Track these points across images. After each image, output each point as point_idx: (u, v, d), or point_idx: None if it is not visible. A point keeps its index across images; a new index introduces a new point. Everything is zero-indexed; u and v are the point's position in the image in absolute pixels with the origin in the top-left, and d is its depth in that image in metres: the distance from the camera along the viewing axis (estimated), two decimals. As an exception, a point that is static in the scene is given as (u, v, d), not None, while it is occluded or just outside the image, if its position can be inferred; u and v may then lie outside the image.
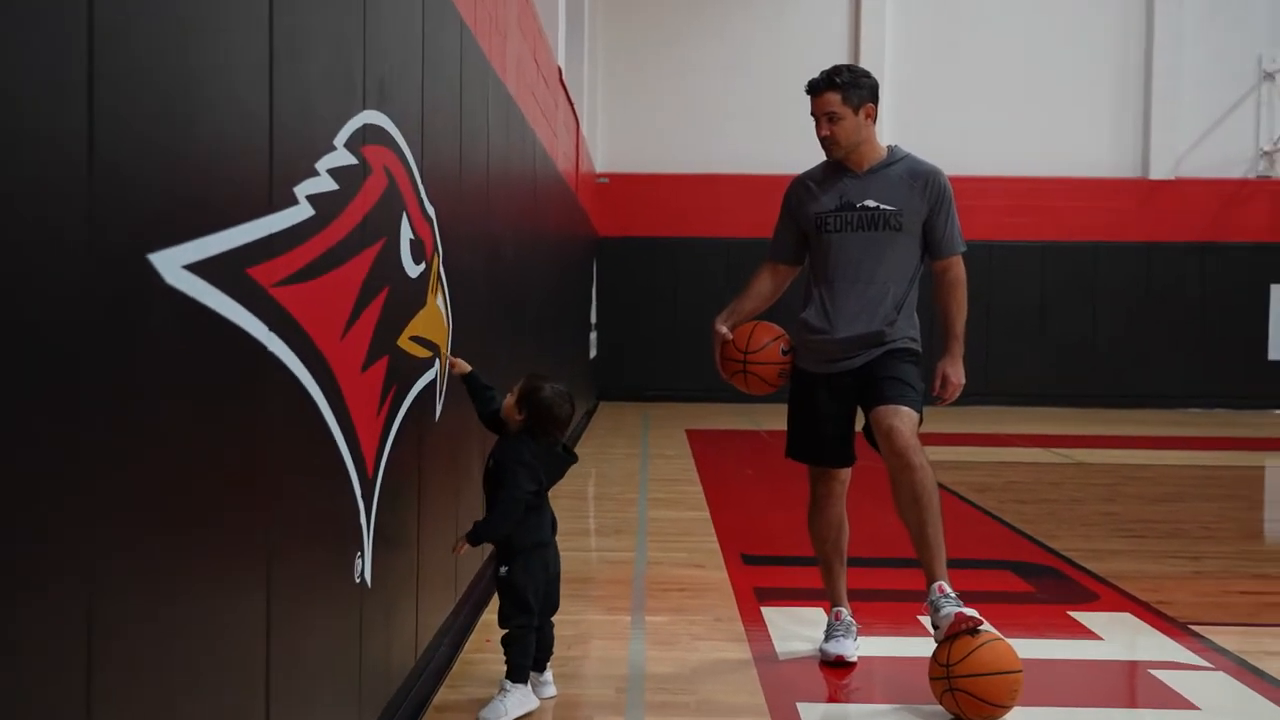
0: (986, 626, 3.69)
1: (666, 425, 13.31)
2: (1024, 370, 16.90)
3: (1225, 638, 4.62)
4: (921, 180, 4.08)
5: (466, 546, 3.59)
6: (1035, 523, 7.23)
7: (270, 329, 2.14)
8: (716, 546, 6.31)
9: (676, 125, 17.20)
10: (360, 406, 2.83)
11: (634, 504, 7.83)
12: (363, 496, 2.89)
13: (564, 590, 4.73)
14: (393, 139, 3.13)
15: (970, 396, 17.24)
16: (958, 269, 4.14)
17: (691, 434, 12.37)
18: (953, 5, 17.30)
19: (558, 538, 3.77)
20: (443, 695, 3.77)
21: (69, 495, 1.46)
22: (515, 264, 5.96)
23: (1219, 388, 16.85)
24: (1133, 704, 3.85)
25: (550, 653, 3.74)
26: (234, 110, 1.99)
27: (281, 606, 2.24)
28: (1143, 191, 17.23)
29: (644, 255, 16.99)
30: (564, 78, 10.60)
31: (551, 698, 3.70)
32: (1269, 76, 17.31)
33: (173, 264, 1.70)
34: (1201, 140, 17.21)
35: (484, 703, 3.57)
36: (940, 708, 3.67)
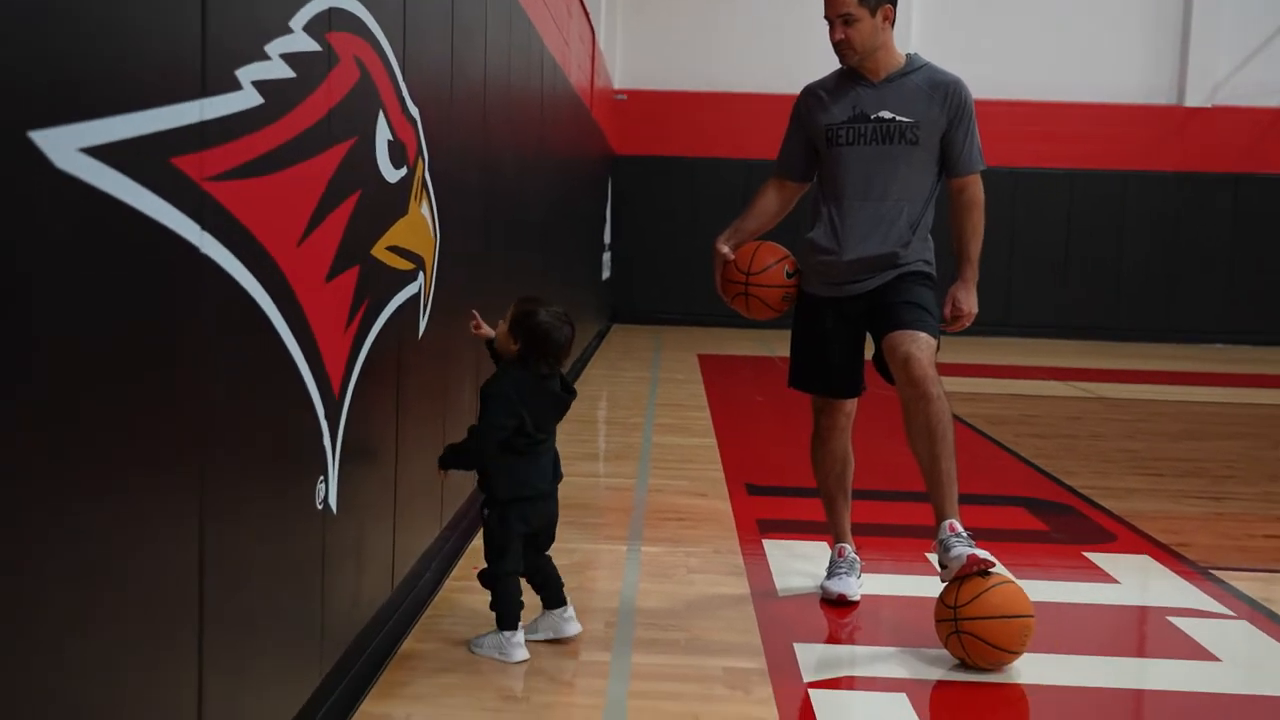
0: (999, 569, 3.49)
1: (679, 349, 13.11)
2: (1047, 301, 16.61)
3: (1247, 584, 4.41)
4: (941, 91, 3.80)
5: (444, 473, 3.41)
6: (1052, 458, 7.01)
7: (203, 228, 1.91)
8: (721, 475, 6.12)
9: (699, 43, 16.76)
10: (323, 319, 2.61)
11: (640, 429, 7.64)
12: (326, 418, 2.67)
13: (563, 517, 4.54)
14: (366, 27, 2.86)
15: (991, 327, 16.82)
16: (975, 189, 3.87)
17: (703, 359, 12.17)
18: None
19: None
20: (424, 624, 3.60)
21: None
22: (515, 176, 5.69)
23: (1248, 323, 16.53)
24: (1150, 653, 3.66)
25: (561, 583, 3.49)
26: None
27: (216, 537, 2.03)
28: (1177, 119, 16.74)
29: (662, 175, 16.66)
30: (579, -14, 10.24)
31: (576, 635, 3.47)
32: (1314, 2, 16.71)
33: (64, 145, 1.47)
34: (1241, 67, 16.64)
35: (466, 638, 3.41)
36: (945, 652, 3.48)
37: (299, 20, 2.38)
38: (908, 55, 3.91)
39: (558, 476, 3.46)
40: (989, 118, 17.52)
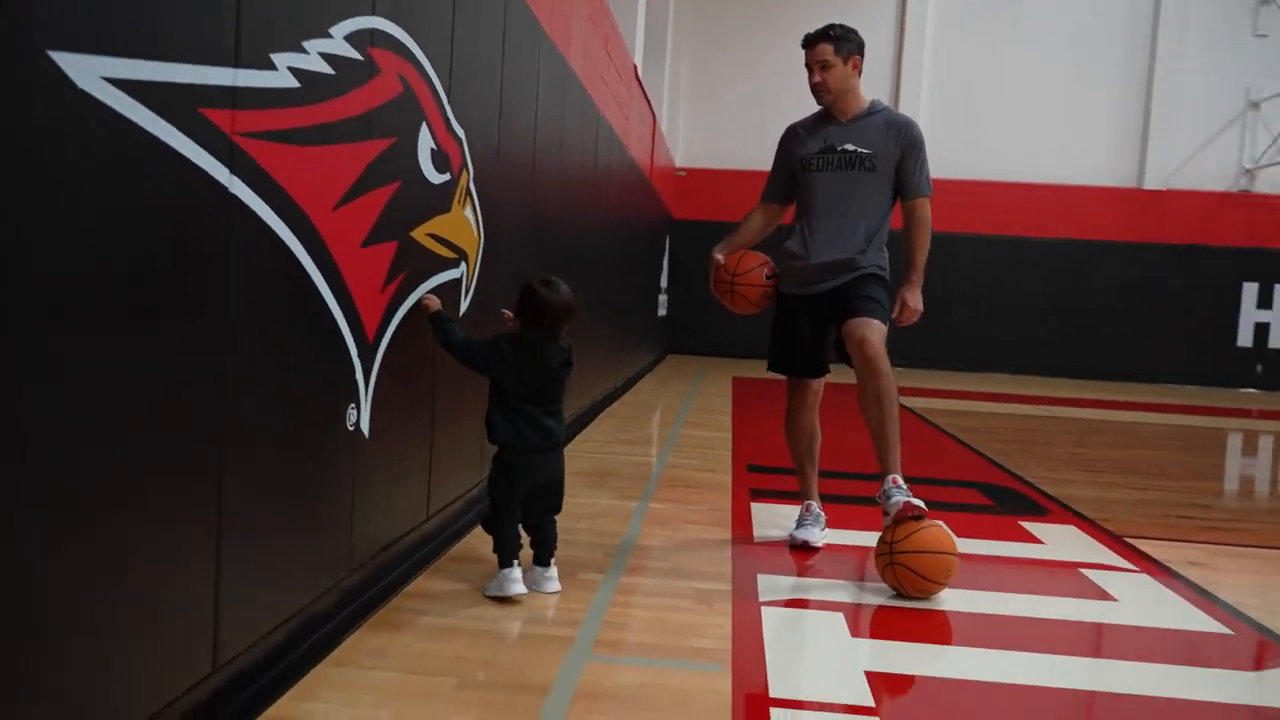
0: (931, 520, 3.36)
1: (719, 373, 12.99)
2: (1032, 345, 16.20)
3: (1153, 548, 4.21)
4: (896, 129, 3.73)
5: (431, 305, 3.09)
6: (1009, 456, 6.79)
7: (233, 172, 1.91)
8: (729, 459, 6.01)
9: (745, 129, 16.72)
10: (357, 275, 2.59)
11: (671, 424, 7.56)
12: (360, 357, 2.65)
13: (587, 482, 4.45)
14: (410, 52, 2.87)
15: (983, 364, 16.38)
16: (923, 209, 3.77)
17: (737, 380, 12.04)
18: (981, 33, 16.52)
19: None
20: (463, 545, 3.56)
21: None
22: (559, 202, 5.68)
23: (1195, 368, 16.04)
24: (1057, 592, 3.48)
25: (552, 549, 3.17)
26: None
27: (238, 447, 2.00)
28: (1138, 200, 16.36)
29: (715, 236, 16.48)
30: (640, 77, 10.27)
31: (555, 592, 3.11)
32: (1254, 105, 16.30)
33: (87, 71, 1.47)
34: (1192, 157, 16.26)
35: (493, 557, 3.30)
36: (885, 586, 3.35)
37: (340, 30, 2.38)
38: (871, 101, 3.84)
39: (550, 437, 3.09)
40: (988, 195, 17.10)
